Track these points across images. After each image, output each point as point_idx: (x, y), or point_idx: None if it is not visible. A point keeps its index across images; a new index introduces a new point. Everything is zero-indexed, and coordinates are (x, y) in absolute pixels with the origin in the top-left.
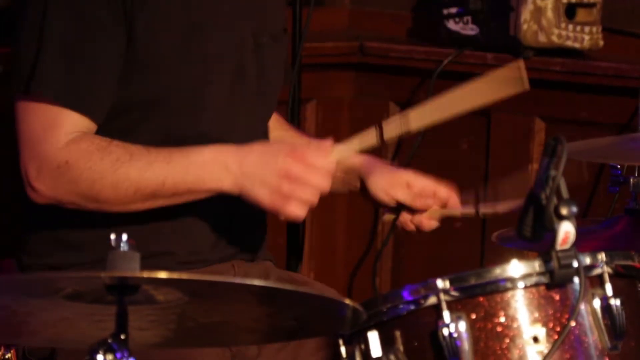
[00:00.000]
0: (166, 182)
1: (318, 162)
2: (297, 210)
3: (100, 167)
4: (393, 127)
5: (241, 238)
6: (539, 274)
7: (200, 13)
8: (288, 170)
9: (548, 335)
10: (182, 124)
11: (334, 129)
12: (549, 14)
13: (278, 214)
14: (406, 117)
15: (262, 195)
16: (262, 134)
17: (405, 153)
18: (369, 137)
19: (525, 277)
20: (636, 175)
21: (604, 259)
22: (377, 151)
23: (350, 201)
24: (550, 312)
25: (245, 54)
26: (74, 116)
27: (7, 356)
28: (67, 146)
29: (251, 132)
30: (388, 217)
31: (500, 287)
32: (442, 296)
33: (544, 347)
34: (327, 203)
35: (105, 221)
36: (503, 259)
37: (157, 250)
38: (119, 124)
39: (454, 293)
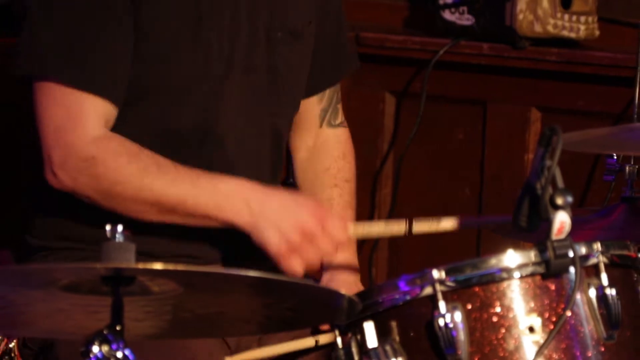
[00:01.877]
0: (187, 202)
1: (335, 231)
2: (297, 266)
3: (127, 171)
4: (423, 225)
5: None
6: (535, 263)
7: (205, 5)
8: (305, 226)
9: (544, 325)
10: (179, 116)
11: None
12: (545, 3)
13: (279, 262)
14: (439, 221)
15: (272, 239)
16: (273, 132)
17: (402, 143)
18: (397, 228)
19: (520, 267)
20: (632, 163)
21: (600, 248)
22: (373, 146)
23: None
24: (546, 302)
25: (254, 49)
26: (96, 101)
27: (10, 345)
28: (96, 141)
29: (260, 128)
30: None
31: (496, 277)
32: (438, 286)
33: (539, 337)
34: None
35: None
36: (499, 249)
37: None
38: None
39: (449, 283)
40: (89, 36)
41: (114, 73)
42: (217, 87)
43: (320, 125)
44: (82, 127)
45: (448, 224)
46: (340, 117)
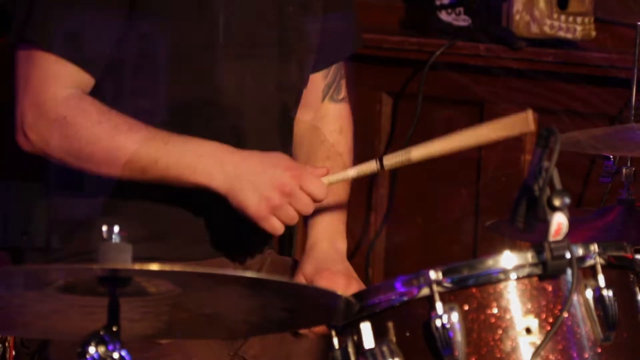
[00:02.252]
0: (159, 162)
1: (312, 186)
2: (277, 225)
3: (98, 130)
4: (394, 159)
5: (247, 235)
6: (532, 265)
7: None
8: (283, 184)
9: (540, 326)
10: (186, 86)
11: None
12: (541, 4)
13: (259, 222)
14: (408, 152)
15: (251, 200)
16: (281, 107)
17: (399, 144)
18: (368, 167)
19: (517, 268)
20: (628, 165)
21: (597, 249)
22: (370, 146)
23: None
24: (543, 303)
25: (264, 24)
26: (71, 68)
27: (6, 344)
28: (66, 101)
29: (269, 103)
30: None
31: (493, 278)
32: (435, 287)
33: (536, 338)
34: None
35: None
36: (496, 249)
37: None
38: (112, 83)
39: (446, 284)
40: (75, 3)
41: (94, 43)
42: (223, 59)
43: (323, 100)
44: (54, 89)
45: (418, 152)
46: (342, 93)
